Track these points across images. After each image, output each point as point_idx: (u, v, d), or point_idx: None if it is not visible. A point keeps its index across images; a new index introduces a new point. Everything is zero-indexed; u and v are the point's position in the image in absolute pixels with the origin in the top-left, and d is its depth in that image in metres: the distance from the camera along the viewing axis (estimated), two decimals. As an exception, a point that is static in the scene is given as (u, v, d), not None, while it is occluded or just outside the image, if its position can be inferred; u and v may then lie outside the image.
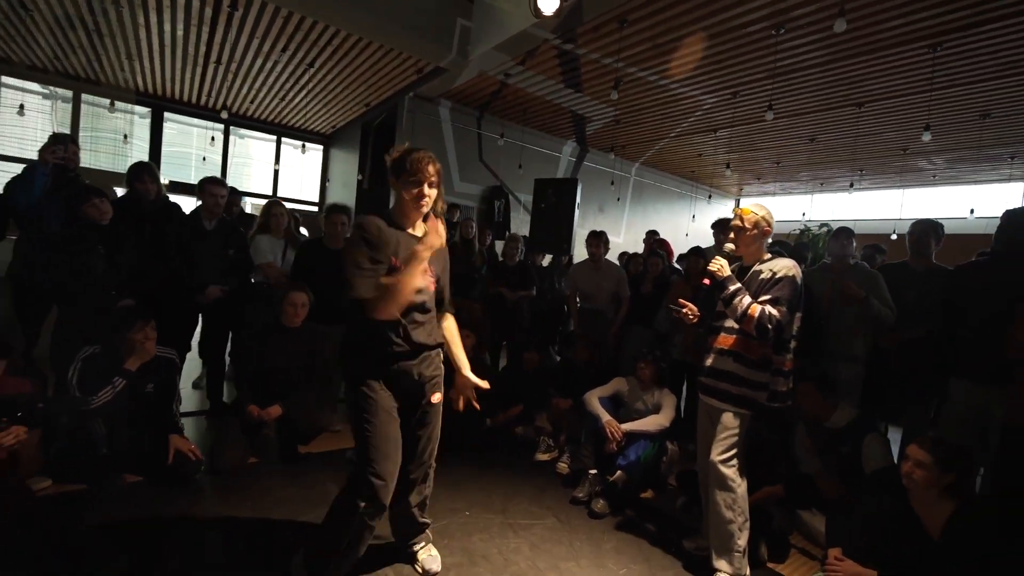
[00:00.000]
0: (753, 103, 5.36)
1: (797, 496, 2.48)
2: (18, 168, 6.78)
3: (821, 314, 3.06)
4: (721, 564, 1.96)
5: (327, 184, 8.59)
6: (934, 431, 2.81)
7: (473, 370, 1.89)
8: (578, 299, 4.14)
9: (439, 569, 1.88)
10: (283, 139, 8.29)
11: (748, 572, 1.99)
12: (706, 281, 2.10)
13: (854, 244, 3.14)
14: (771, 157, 7.54)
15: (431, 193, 1.66)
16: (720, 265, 2.05)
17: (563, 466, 2.92)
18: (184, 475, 2.35)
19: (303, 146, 8.35)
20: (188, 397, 3.26)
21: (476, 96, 6.21)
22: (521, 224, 7.10)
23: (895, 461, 2.41)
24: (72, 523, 1.87)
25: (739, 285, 2.01)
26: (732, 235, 2.10)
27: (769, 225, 2.08)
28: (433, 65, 5.08)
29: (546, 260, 5.27)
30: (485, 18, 4.61)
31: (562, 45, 4.55)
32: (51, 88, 6.73)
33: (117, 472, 2.29)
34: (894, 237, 6.25)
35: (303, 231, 4.88)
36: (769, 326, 1.90)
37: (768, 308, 1.92)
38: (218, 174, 6.99)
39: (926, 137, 4.34)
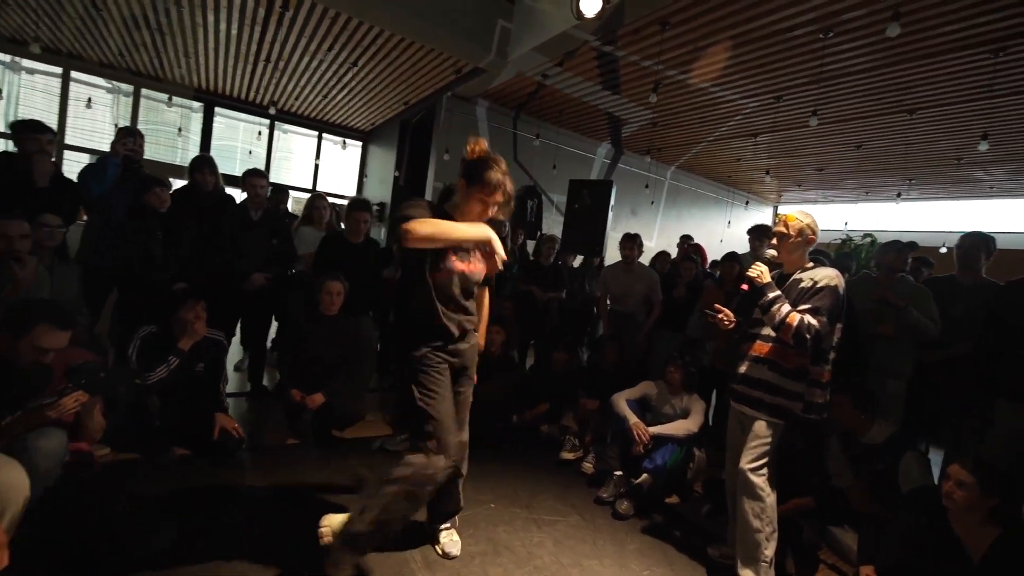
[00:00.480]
0: (796, 108, 5.22)
1: (828, 510, 2.43)
2: (85, 158, 7.22)
3: (862, 327, 2.98)
4: (746, 573, 1.95)
5: (364, 179, 8.82)
6: (977, 453, 2.70)
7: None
8: (608, 302, 4.13)
9: (458, 553, 1.95)
10: (324, 135, 8.55)
11: (773, 583, 1.97)
12: (744, 287, 2.08)
13: (909, 259, 3.04)
14: (814, 164, 7.32)
15: (490, 209, 1.75)
16: (760, 271, 2.03)
17: (588, 466, 2.93)
18: (227, 450, 2.49)
19: (343, 142, 8.60)
20: (231, 380, 3.43)
21: (513, 96, 6.27)
22: (553, 224, 7.11)
23: (935, 482, 2.33)
24: (126, 492, 2.01)
25: (778, 292, 1.99)
26: (775, 241, 2.07)
27: (814, 233, 2.05)
28: (472, 66, 5.15)
29: (577, 261, 5.27)
30: (525, 20, 4.66)
31: (602, 47, 4.54)
32: (115, 83, 7.16)
33: (168, 445, 2.44)
34: (943, 251, 5.98)
35: (344, 226, 5.05)
36: (808, 336, 1.88)
37: (807, 317, 1.89)
38: (262, 167, 7.30)
39: (983, 147, 4.14)
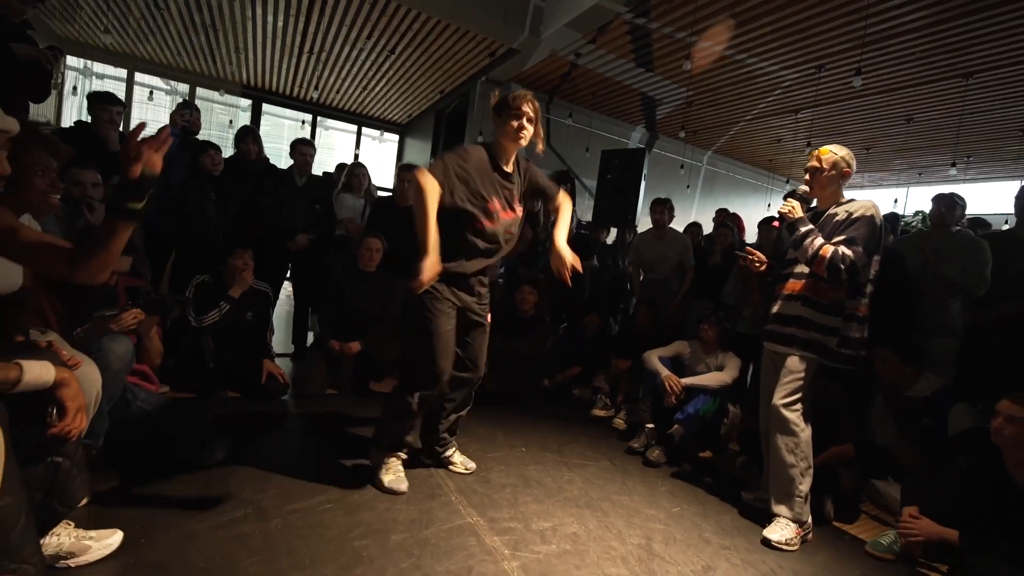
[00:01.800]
0: (839, 78, 5.02)
1: (872, 466, 2.34)
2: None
3: (912, 283, 2.85)
4: (781, 509, 1.91)
5: (401, 171, 9.07)
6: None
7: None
8: (641, 273, 4.11)
9: (475, 466, 2.09)
10: (363, 128, 8.86)
11: (809, 520, 1.92)
12: (776, 223, 2.05)
13: (958, 211, 2.89)
14: (860, 142, 7.00)
15: (528, 128, 1.79)
16: (792, 206, 2.00)
17: (620, 422, 2.93)
18: (274, 393, 2.65)
19: (381, 135, 8.89)
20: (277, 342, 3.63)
21: (546, 80, 6.32)
22: (586, 210, 7.11)
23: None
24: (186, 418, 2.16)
25: (811, 226, 1.95)
26: (807, 177, 2.03)
27: (849, 167, 1.99)
28: (506, 47, 5.24)
29: (610, 238, 5.26)
30: (557, -3, 4.71)
31: (634, 19, 4.53)
32: (172, 83, 7.68)
33: (220, 386, 2.61)
34: (1006, 227, 5.61)
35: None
36: (842, 266, 1.83)
37: (842, 248, 1.84)
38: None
39: (1047, 104, 3.87)
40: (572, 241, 4.59)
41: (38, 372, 1.04)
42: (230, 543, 1.42)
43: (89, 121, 2.92)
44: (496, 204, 1.83)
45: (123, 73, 7.30)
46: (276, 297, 3.15)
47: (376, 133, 9.01)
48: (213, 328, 2.59)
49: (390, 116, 8.53)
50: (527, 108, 1.78)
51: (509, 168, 1.88)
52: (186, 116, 3.19)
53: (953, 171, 6.00)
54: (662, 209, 3.83)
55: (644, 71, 5.62)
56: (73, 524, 1.25)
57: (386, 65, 6.23)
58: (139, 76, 7.40)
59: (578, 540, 1.69)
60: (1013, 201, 2.80)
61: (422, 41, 5.40)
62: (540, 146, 1.89)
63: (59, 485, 1.15)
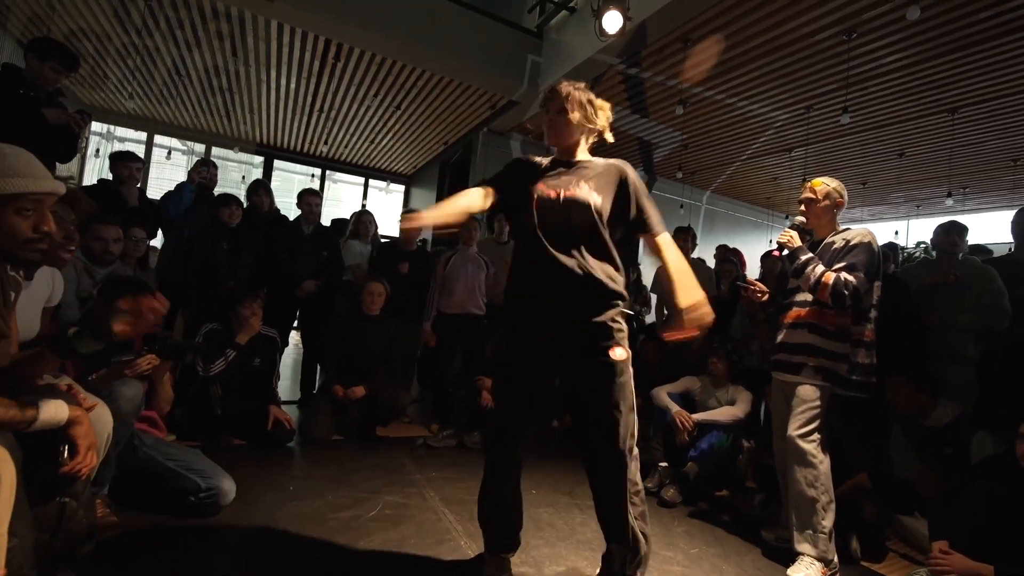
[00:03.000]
0: (829, 117, 5.21)
1: (895, 500, 2.26)
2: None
3: (921, 313, 2.84)
4: (804, 547, 1.83)
5: (407, 219, 9.29)
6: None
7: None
8: (664, 309, 4.10)
9: None
10: (370, 180, 9.18)
11: (836, 559, 1.83)
12: (776, 253, 2.09)
13: (962, 239, 2.92)
14: (856, 177, 7.14)
15: (559, 120, 1.51)
16: (791, 236, 2.04)
17: (631, 461, 2.85)
18: (280, 440, 2.62)
19: (387, 186, 9.18)
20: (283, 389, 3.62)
21: (545, 128, 6.57)
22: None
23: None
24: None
25: (811, 255, 1.98)
26: (803, 208, 2.08)
27: (841, 197, 2.06)
28: (506, 99, 5.51)
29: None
30: (553, 52, 5.01)
31: (627, 70, 4.78)
32: (189, 144, 8.07)
33: (227, 432, 2.60)
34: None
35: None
36: (845, 291, 1.84)
37: (843, 274, 1.87)
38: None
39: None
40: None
41: (53, 411, 1.06)
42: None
43: (110, 179, 3.07)
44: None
45: (143, 136, 7.70)
46: (284, 343, 3.18)
47: (383, 184, 9.31)
48: (221, 376, 2.60)
49: (396, 168, 8.85)
50: (549, 103, 1.52)
51: (580, 156, 1.61)
52: (203, 173, 3.35)
53: (950, 201, 6.08)
54: (685, 236, 3.88)
55: (640, 117, 5.85)
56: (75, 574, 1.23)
57: (392, 120, 6.53)
58: (158, 138, 7.80)
59: (593, 584, 1.62)
60: (1010, 226, 2.83)
61: (426, 96, 5.70)
62: (602, 125, 1.57)
63: (65, 526, 1.14)
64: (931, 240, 2.96)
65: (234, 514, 1.83)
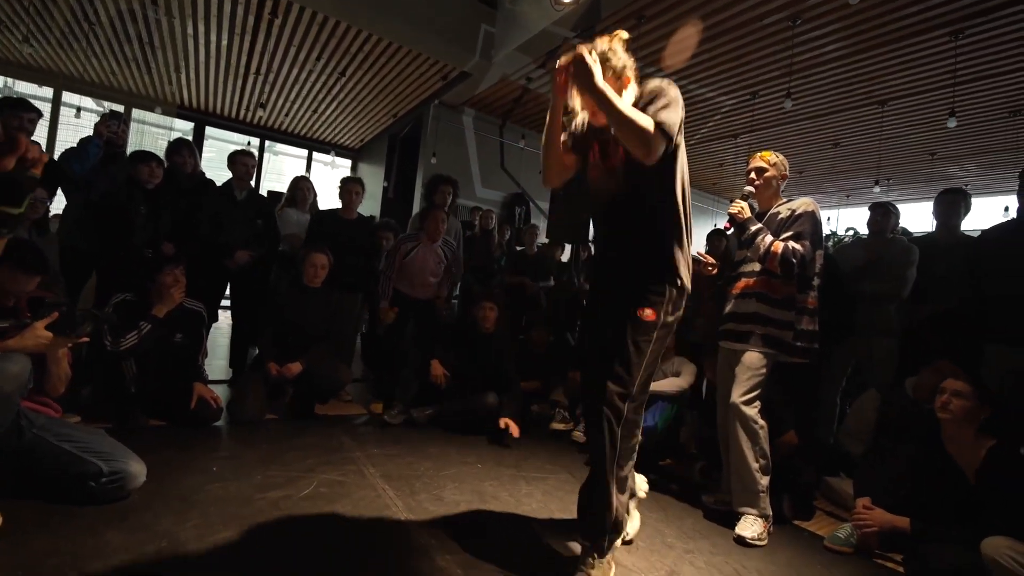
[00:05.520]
0: (772, 103, 5.38)
1: (822, 462, 2.37)
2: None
3: (849, 288, 2.98)
4: (744, 508, 1.88)
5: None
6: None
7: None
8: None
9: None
10: (314, 153, 8.68)
11: (771, 513, 1.89)
12: (726, 225, 2.10)
13: (892, 219, 3.08)
14: (794, 166, 7.40)
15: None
16: (741, 207, 2.05)
17: (579, 434, 2.86)
18: (205, 420, 2.41)
19: (333, 159, 8.73)
20: (217, 368, 3.35)
21: (499, 103, 6.43)
22: (540, 232, 7.19)
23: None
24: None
25: (760, 225, 2.01)
26: (752, 176, 2.10)
27: (785, 169, 2.10)
28: (458, 70, 5.31)
29: (565, 255, 5.29)
30: (507, 22, 4.84)
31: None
32: (104, 104, 7.27)
33: (141, 413, 2.36)
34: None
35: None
36: (794, 260, 1.89)
37: (792, 243, 1.91)
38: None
39: (952, 123, 4.27)
40: (532, 261, 4.62)
41: None
42: (136, 582, 1.23)
43: (-1, 128, 2.67)
44: None
45: (49, 93, 6.87)
46: (212, 318, 2.92)
47: (328, 157, 8.84)
48: (134, 352, 2.34)
49: (343, 140, 8.42)
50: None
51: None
52: (112, 127, 2.96)
53: (877, 190, 6.48)
54: None
55: (592, 96, 5.82)
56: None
57: (337, 87, 6.16)
58: (67, 96, 6.98)
59: (538, 554, 1.58)
60: (931, 208, 3.01)
61: (373, 63, 5.39)
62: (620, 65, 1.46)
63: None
64: (867, 221, 3.11)
65: (145, 498, 1.64)
